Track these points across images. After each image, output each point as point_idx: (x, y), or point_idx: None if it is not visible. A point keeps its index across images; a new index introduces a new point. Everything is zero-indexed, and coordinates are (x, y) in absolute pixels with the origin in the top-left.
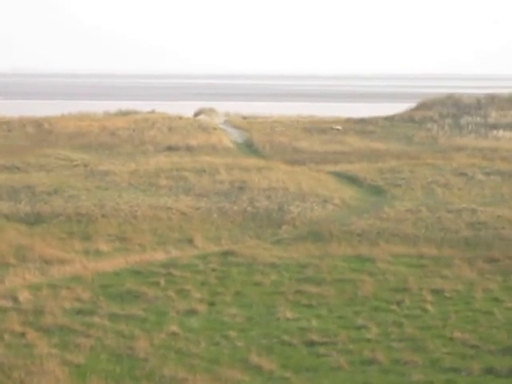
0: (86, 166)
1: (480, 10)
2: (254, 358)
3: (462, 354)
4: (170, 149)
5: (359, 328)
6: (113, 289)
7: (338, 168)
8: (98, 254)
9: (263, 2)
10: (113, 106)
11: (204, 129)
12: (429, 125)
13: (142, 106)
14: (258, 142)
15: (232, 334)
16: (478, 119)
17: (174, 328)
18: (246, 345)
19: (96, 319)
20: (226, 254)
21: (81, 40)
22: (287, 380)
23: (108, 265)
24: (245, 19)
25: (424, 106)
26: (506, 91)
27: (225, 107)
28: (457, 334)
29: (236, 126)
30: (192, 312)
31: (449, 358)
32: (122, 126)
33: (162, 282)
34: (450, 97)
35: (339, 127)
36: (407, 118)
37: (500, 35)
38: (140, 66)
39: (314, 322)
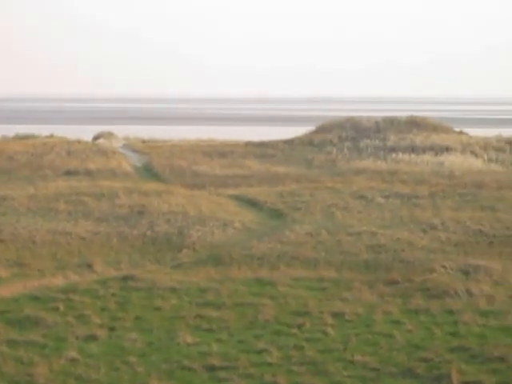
0: None
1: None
2: (155, 383)
3: (363, 377)
4: (68, 173)
5: (260, 352)
6: (11, 314)
7: (238, 192)
8: None
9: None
10: (10, 130)
11: (103, 153)
12: (328, 148)
13: (41, 130)
14: (157, 165)
15: (132, 359)
16: (377, 142)
17: (73, 354)
18: (146, 370)
19: None
20: (125, 278)
21: None
22: None
23: (6, 290)
24: (143, 45)
25: (323, 129)
26: (404, 114)
27: (124, 131)
28: (357, 357)
29: (135, 150)
30: (92, 337)
31: (350, 381)
32: (20, 151)
33: (61, 307)
34: (349, 120)
35: None
36: (307, 142)
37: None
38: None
39: (215, 347)
